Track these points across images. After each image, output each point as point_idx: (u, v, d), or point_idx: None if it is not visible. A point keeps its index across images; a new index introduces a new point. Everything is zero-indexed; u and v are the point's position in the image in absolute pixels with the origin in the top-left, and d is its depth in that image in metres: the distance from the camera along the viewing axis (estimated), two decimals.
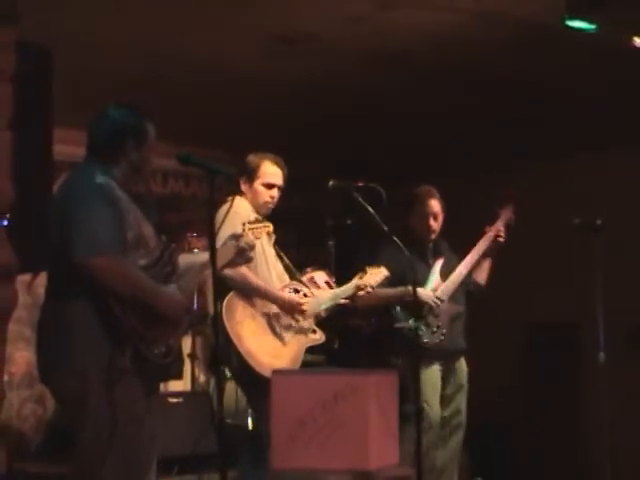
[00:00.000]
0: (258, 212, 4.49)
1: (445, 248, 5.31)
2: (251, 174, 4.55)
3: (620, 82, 5.66)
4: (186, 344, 6.35)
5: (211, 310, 4.50)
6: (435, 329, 5.05)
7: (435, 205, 5.19)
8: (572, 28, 4.53)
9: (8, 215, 3.07)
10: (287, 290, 4.52)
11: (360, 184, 4.47)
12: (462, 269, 5.19)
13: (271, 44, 5.19)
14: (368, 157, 7.13)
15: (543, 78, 5.72)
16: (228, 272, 4.23)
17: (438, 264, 5.14)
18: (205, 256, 3.47)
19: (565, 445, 7.10)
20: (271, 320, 4.43)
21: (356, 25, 4.93)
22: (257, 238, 3.86)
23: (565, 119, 6.45)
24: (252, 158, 4.59)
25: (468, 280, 5.26)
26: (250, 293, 4.38)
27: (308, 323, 4.53)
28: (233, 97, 6.06)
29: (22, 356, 6.16)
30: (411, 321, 4.59)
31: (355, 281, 4.69)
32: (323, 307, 4.59)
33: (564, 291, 7.03)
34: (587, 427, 6.77)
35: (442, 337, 5.04)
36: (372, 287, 4.67)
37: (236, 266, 4.08)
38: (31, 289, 3.49)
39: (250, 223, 3.89)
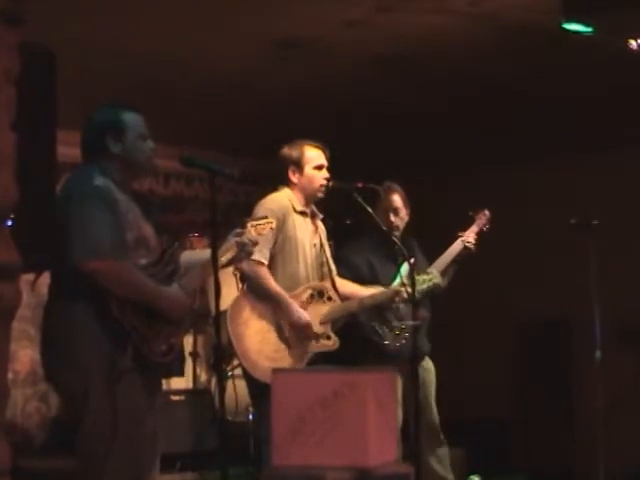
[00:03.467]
0: (311, 198, 4.46)
1: (414, 248, 5.07)
2: (298, 162, 4.46)
3: (616, 85, 5.65)
4: (188, 342, 6.34)
5: (213, 308, 4.47)
6: (398, 332, 4.87)
7: (396, 200, 5.01)
8: (569, 31, 4.52)
9: (12, 215, 3.05)
10: (309, 291, 4.41)
11: (360, 184, 4.44)
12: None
13: (271, 48, 5.18)
14: (367, 158, 7.11)
15: (539, 80, 5.71)
16: (244, 268, 4.20)
17: (405, 264, 4.76)
18: (207, 254, 3.46)
19: (559, 442, 7.09)
20: (280, 322, 4.33)
21: (354, 29, 4.91)
22: (260, 235, 3.84)
23: (562, 120, 6.44)
24: (290, 149, 4.50)
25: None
26: (263, 294, 4.29)
27: (323, 328, 4.40)
28: (234, 100, 6.04)
29: (26, 354, 6.15)
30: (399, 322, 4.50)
31: (395, 286, 4.59)
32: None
33: (558, 290, 7.03)
34: (581, 424, 6.76)
35: (404, 341, 4.82)
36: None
37: (239, 262, 4.03)
38: (35, 288, 3.48)
39: (254, 220, 3.87)
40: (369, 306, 4.61)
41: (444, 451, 5.07)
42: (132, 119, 3.49)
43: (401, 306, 4.85)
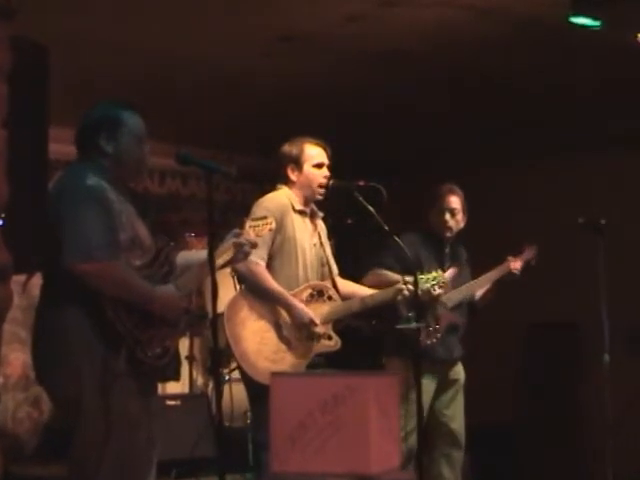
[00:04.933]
0: (311, 198, 4.45)
1: (462, 258, 5.26)
2: (298, 160, 4.44)
3: (625, 80, 5.65)
4: (184, 345, 6.33)
5: (210, 310, 4.45)
6: (431, 329, 4.97)
7: (454, 201, 5.12)
8: (576, 25, 4.51)
9: (3, 215, 3.05)
10: (309, 290, 4.39)
11: (361, 183, 4.42)
12: (475, 288, 5.20)
13: (271, 43, 5.17)
14: (369, 156, 7.11)
15: (545, 76, 5.70)
16: (241, 268, 4.20)
17: (451, 272, 4.97)
18: (204, 254, 3.45)
19: (567, 446, 7.10)
20: (280, 322, 4.31)
21: (355, 23, 4.91)
22: (258, 236, 3.82)
23: (568, 118, 6.44)
24: (290, 146, 4.48)
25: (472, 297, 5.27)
26: (262, 294, 4.29)
27: (324, 328, 4.38)
28: (232, 96, 6.04)
29: (17, 358, 6.14)
30: (414, 322, 4.53)
31: (397, 286, 4.56)
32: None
33: (565, 291, 7.03)
34: (589, 430, 6.75)
35: (435, 340, 4.97)
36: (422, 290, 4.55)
37: (236, 263, 4.02)
38: (26, 290, 3.47)
39: (252, 220, 3.85)
40: (371, 306, 4.61)
41: (459, 456, 5.17)
42: (130, 119, 3.48)
43: (439, 307, 4.98)
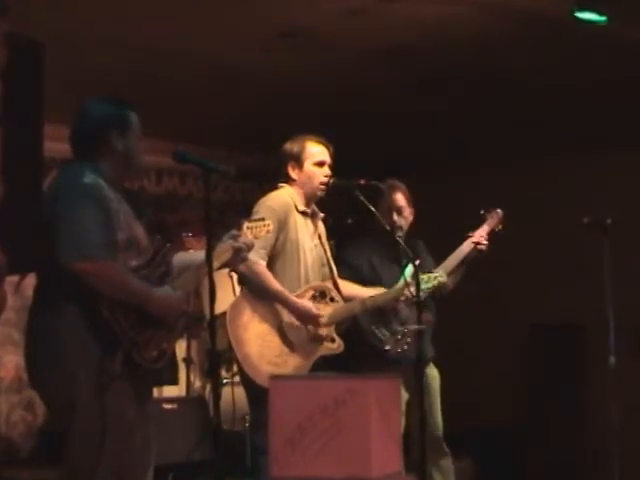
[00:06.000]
0: (311, 197, 4.44)
1: (421, 249, 5.05)
2: (298, 158, 4.43)
3: (631, 78, 5.64)
4: (181, 348, 6.34)
5: (207, 312, 4.45)
6: (399, 337, 4.80)
7: (399, 199, 4.96)
8: (581, 20, 4.51)
9: None
10: (311, 292, 4.40)
11: (362, 182, 4.41)
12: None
13: (269, 38, 5.17)
14: (368, 154, 7.11)
15: (547, 74, 5.70)
16: (242, 268, 4.19)
17: (410, 266, 4.68)
18: (202, 255, 3.46)
19: (571, 451, 7.10)
20: (282, 324, 4.31)
21: (355, 18, 4.91)
22: (256, 237, 3.82)
23: (573, 116, 6.44)
24: (292, 143, 4.47)
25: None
26: (264, 294, 4.28)
27: (327, 330, 4.39)
28: (230, 93, 6.04)
29: (11, 360, 6.15)
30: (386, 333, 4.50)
31: (398, 287, 4.57)
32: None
33: (570, 291, 7.03)
34: (594, 432, 6.76)
35: (406, 346, 4.76)
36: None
37: (233, 266, 4.02)
38: (19, 290, 3.47)
39: (250, 221, 3.85)
40: (371, 307, 4.60)
41: (447, 463, 5.04)
42: (134, 119, 3.52)
43: (403, 310, 4.84)
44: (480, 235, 4.92)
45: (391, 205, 4.95)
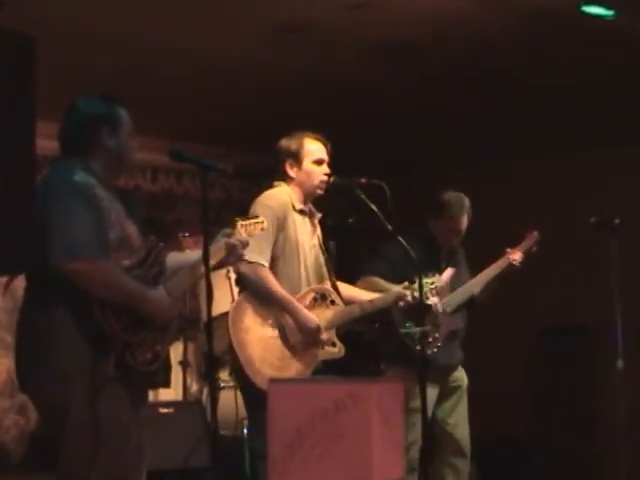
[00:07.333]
0: (310, 196, 4.43)
1: (461, 258, 5.25)
2: (297, 155, 4.39)
3: (636, 75, 5.64)
4: (177, 351, 6.33)
5: (204, 313, 4.45)
6: (431, 339, 4.93)
7: (464, 222, 5.11)
8: (588, 14, 4.50)
9: None
10: (312, 294, 4.38)
11: (363, 180, 4.39)
12: (474, 288, 5.17)
13: (268, 34, 5.17)
14: (369, 151, 7.12)
15: (550, 69, 5.69)
16: (247, 271, 4.19)
17: (448, 273, 4.92)
18: (196, 255, 3.45)
19: (578, 455, 7.10)
20: (284, 328, 4.29)
21: (356, 12, 4.90)
22: (250, 235, 3.80)
23: (577, 114, 6.44)
24: (289, 140, 4.43)
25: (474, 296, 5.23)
26: (266, 297, 4.26)
27: (328, 334, 4.37)
28: (227, 90, 6.04)
29: (2, 364, 6.14)
30: (416, 328, 4.52)
31: (398, 289, 4.56)
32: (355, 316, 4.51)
33: (577, 293, 7.03)
34: (602, 436, 6.76)
35: (435, 349, 4.95)
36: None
37: (228, 265, 3.99)
38: (10, 292, 3.46)
39: (244, 219, 3.83)
40: (370, 311, 4.60)
41: (464, 467, 5.16)
42: (125, 116, 3.51)
43: (440, 313, 4.96)
44: (517, 252, 5.21)
45: (457, 227, 5.11)
